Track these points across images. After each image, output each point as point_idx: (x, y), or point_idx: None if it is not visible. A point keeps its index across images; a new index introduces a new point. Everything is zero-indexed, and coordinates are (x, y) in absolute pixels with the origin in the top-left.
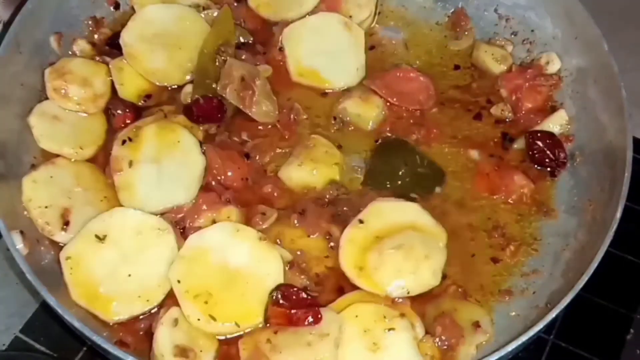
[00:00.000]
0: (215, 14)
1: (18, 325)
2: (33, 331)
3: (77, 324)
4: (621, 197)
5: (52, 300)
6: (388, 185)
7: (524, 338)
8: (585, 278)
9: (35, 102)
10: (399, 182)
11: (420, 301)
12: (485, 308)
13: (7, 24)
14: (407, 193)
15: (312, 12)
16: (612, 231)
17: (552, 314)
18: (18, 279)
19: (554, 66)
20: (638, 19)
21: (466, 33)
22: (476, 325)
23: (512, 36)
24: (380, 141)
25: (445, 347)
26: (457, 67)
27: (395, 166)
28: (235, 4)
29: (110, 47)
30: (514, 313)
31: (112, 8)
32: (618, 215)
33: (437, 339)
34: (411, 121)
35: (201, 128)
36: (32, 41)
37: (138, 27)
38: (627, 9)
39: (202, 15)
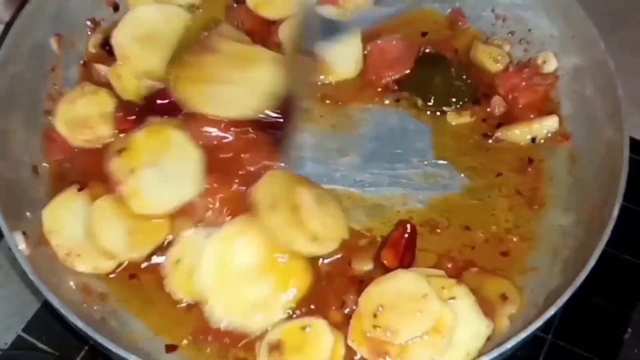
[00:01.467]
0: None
1: (20, 324)
2: (35, 330)
3: (79, 323)
4: (618, 195)
5: (54, 300)
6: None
7: (522, 335)
8: (583, 275)
9: (35, 104)
10: (434, 92)
11: None
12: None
13: (8, 25)
14: (441, 104)
15: None
16: (609, 229)
17: (551, 311)
18: (20, 278)
19: (551, 65)
20: (635, 19)
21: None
22: (503, 297)
23: (509, 35)
24: (420, 54)
25: None
26: None
27: (431, 77)
28: (235, 5)
29: (107, 52)
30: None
31: (111, 9)
32: (615, 213)
33: None
34: None
35: None
36: (32, 43)
37: (130, 28)
38: (623, 9)
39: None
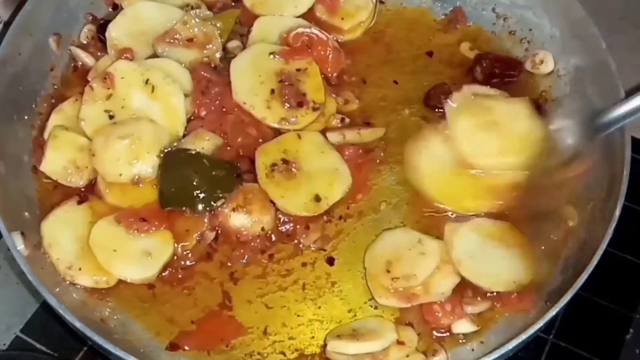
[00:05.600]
0: (206, 14)
1: (19, 324)
2: (33, 331)
3: (78, 323)
4: (620, 195)
5: (52, 301)
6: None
7: (523, 336)
8: (584, 276)
9: (34, 104)
10: (198, 193)
11: None
12: None
13: (7, 24)
14: (210, 200)
15: (307, 12)
16: (611, 229)
17: (552, 312)
18: (18, 279)
19: (548, 66)
20: (635, 19)
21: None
22: None
23: (510, 35)
24: (162, 156)
25: None
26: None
27: (187, 178)
28: (233, 4)
29: (100, 42)
30: None
31: (110, 9)
32: (617, 213)
33: None
34: None
35: None
36: (31, 42)
37: (126, 23)
38: (624, 9)
39: (192, 14)
